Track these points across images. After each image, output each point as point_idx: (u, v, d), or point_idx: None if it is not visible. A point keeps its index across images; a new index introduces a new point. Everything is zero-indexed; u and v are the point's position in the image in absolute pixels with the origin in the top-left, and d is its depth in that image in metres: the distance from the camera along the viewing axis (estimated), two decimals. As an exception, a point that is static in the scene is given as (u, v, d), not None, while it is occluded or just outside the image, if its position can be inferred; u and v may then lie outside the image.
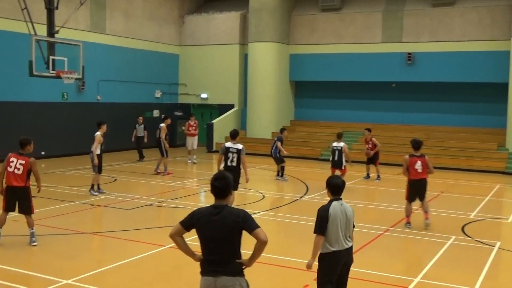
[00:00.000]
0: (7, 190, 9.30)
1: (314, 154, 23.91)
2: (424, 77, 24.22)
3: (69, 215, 11.96)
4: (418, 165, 11.21)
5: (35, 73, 18.34)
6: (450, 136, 23.75)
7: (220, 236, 4.68)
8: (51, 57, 18.89)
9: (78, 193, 14.42)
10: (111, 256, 8.83)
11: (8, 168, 9.18)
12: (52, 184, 15.58)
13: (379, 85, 25.61)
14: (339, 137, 16.04)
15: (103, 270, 8.16)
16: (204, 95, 28.80)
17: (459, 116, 24.41)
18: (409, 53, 24.20)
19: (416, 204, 11.57)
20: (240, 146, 11.65)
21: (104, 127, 14.34)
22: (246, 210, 4.81)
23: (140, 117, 22.37)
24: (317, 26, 26.39)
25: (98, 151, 14.02)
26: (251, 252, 4.70)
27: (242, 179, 11.67)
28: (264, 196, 14.77)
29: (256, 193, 15.13)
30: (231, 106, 27.98)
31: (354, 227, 6.11)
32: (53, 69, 18.98)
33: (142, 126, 22.12)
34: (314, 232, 5.89)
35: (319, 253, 5.93)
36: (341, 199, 5.99)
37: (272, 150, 17.66)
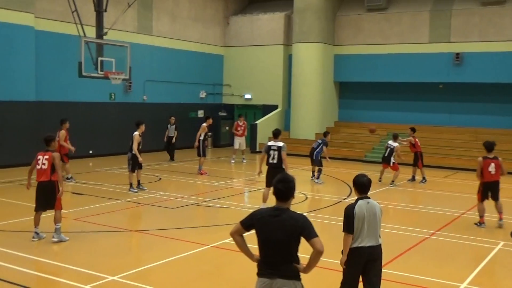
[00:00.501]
0: (38, 187, 9.68)
1: (358, 156, 23.65)
2: (472, 78, 23.61)
3: (115, 213, 12.20)
4: (492, 167, 11.27)
5: (84, 74, 18.82)
6: (499, 138, 22.89)
7: (278, 239, 4.66)
8: (99, 58, 19.35)
9: (123, 192, 14.70)
10: (155, 254, 8.97)
11: (37, 166, 9.61)
12: (99, 182, 15.96)
13: (426, 86, 25.13)
14: (394, 137, 17.33)
15: (147, 268, 8.29)
16: (248, 96, 28.91)
17: (509, 118, 23.68)
18: (457, 53, 23.64)
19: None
20: (281, 144, 12.04)
21: (142, 127, 14.78)
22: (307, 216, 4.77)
23: (172, 118, 22.29)
24: (363, 26, 26.11)
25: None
26: (308, 257, 4.70)
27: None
28: (306, 197, 14.71)
29: (298, 194, 15.09)
30: (274, 107, 28.00)
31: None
32: (101, 70, 19.43)
33: (174, 126, 22.10)
34: (343, 231, 6.02)
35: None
36: (368, 197, 6.07)
37: (315, 152, 17.53)
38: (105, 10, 20.24)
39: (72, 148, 15.85)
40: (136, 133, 14.55)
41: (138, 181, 14.87)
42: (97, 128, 22.30)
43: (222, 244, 9.51)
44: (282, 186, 4.75)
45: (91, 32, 19.97)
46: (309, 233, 4.64)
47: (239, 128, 22.11)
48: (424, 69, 24.46)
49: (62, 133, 15.72)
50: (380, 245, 6.07)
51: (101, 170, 18.86)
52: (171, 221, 11.49)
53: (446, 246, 10.20)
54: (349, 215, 5.95)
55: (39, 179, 9.59)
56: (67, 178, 15.90)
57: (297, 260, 4.77)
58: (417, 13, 24.77)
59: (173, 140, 21.99)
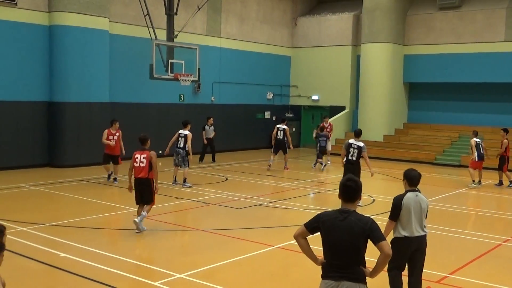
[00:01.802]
0: (135, 183, 10.38)
1: (428, 158, 23.01)
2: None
3: (183, 212, 12.47)
4: None
5: (155, 76, 19.37)
6: None
7: (346, 242, 4.62)
8: (169, 61, 19.85)
9: (192, 191, 14.99)
10: (221, 254, 9.09)
11: (135, 164, 10.30)
12: (168, 181, 16.34)
13: (502, 86, 24.10)
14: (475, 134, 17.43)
15: (213, 267, 8.41)
16: (315, 97, 28.77)
17: None
18: (536, 52, 22.56)
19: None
20: (361, 144, 13.02)
21: (189, 126, 15.86)
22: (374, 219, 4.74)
23: (211, 118, 21.63)
24: (434, 26, 25.38)
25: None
26: (375, 261, 4.66)
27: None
28: (374, 200, 14.47)
29: (366, 196, 14.86)
30: (342, 108, 27.71)
31: (426, 217, 6.57)
32: (171, 72, 19.94)
33: (212, 127, 21.52)
34: (388, 218, 6.53)
35: (392, 237, 6.47)
36: (417, 190, 6.53)
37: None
38: (176, 13, 20.76)
39: (110, 142, 15.86)
40: (188, 132, 15.66)
41: (185, 179, 15.59)
42: (167, 128, 22.80)
43: (287, 245, 9.51)
44: (353, 183, 4.72)
45: (162, 35, 20.54)
46: (377, 236, 4.59)
47: (325, 130, 22.13)
48: (500, 68, 23.47)
49: (105, 132, 15.99)
50: (425, 235, 6.53)
51: (170, 170, 19.28)
52: (237, 221, 11.61)
53: (521, 254, 9.77)
54: (397, 205, 6.43)
55: (137, 175, 10.30)
56: (114, 179, 16.16)
57: (363, 263, 4.71)
58: (493, 11, 23.81)
59: (212, 140, 21.42)
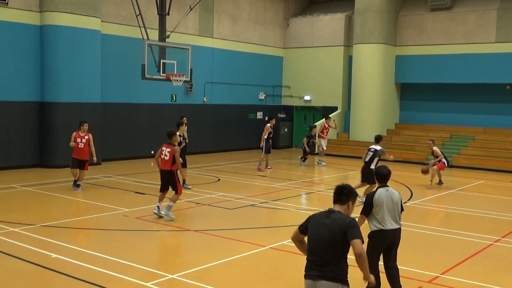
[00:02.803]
0: (161, 173, 11.52)
1: (419, 159, 23.08)
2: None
3: (175, 213, 12.43)
4: None
5: (147, 76, 19.33)
6: None
7: (324, 237, 4.74)
8: (161, 61, 19.81)
9: (184, 192, 14.93)
10: (214, 254, 9.08)
11: (161, 156, 11.35)
12: (159, 182, 16.28)
13: (492, 87, 24.24)
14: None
15: (206, 267, 8.40)
16: (307, 97, 28.81)
17: None
18: (526, 53, 22.71)
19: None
20: (378, 148, 13.59)
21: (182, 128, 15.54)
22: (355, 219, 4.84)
23: (184, 118, 19.64)
24: (426, 26, 25.49)
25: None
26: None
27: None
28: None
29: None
30: (334, 109, 27.76)
31: (403, 210, 6.98)
32: (163, 72, 19.90)
33: (185, 127, 20.35)
34: (360, 213, 6.88)
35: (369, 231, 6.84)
36: (387, 186, 6.93)
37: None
38: (168, 14, 20.73)
39: (72, 144, 14.41)
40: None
41: (184, 180, 15.15)
42: (159, 129, 22.75)
43: (280, 245, 9.52)
44: (345, 188, 4.98)
45: (154, 35, 20.50)
46: (353, 233, 4.70)
47: (324, 131, 22.37)
48: (491, 69, 23.61)
49: (73, 134, 14.58)
50: (400, 228, 6.90)
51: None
52: (230, 222, 11.60)
53: (511, 254, 9.84)
54: (369, 201, 6.81)
55: (162, 167, 11.38)
56: (77, 185, 14.69)
57: (344, 263, 4.77)
58: (484, 12, 23.94)
59: (187, 141, 20.78)
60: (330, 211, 4.88)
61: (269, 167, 19.84)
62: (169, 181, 11.38)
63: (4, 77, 18.06)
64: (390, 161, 14.76)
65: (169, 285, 7.63)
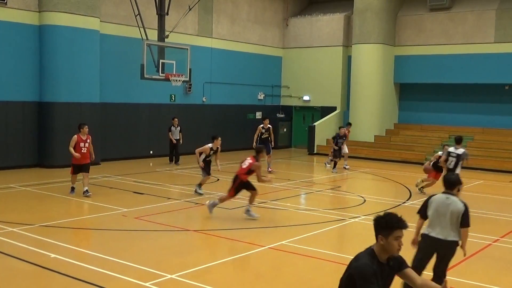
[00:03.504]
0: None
1: (418, 159, 23.08)
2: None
3: (173, 213, 12.44)
4: None
5: (146, 76, 19.33)
6: None
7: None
8: (160, 61, 19.81)
9: (182, 192, 14.96)
10: (213, 254, 9.08)
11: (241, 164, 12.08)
12: (159, 182, 16.30)
13: (491, 87, 24.27)
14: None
15: (205, 267, 8.40)
16: (306, 97, 28.81)
17: None
18: (525, 53, 22.72)
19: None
20: (461, 151, 12.98)
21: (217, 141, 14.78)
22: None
23: (176, 119, 20.86)
24: (425, 27, 25.51)
25: None
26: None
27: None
28: (365, 200, 14.51)
29: (356, 197, 14.91)
30: (333, 109, 27.77)
31: (465, 225, 6.42)
32: (162, 72, 19.90)
33: (178, 128, 20.80)
34: (416, 213, 6.86)
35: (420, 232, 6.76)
36: (451, 193, 6.53)
37: None
38: (167, 14, 20.72)
39: (77, 155, 13.57)
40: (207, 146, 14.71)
41: (200, 184, 14.79)
42: (158, 129, 22.78)
43: (279, 245, 9.51)
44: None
45: (153, 35, 20.49)
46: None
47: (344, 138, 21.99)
48: (490, 69, 23.63)
49: (74, 138, 13.69)
50: (448, 240, 6.43)
51: (161, 170, 19.27)
52: (228, 222, 11.59)
53: (509, 254, 9.83)
54: (424, 202, 6.75)
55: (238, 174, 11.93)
56: (86, 191, 13.77)
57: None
58: (483, 12, 23.96)
59: (181, 141, 20.68)
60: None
61: (269, 169, 19.06)
62: (247, 185, 11.90)
63: (2, 77, 18.04)
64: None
65: (168, 285, 7.62)
